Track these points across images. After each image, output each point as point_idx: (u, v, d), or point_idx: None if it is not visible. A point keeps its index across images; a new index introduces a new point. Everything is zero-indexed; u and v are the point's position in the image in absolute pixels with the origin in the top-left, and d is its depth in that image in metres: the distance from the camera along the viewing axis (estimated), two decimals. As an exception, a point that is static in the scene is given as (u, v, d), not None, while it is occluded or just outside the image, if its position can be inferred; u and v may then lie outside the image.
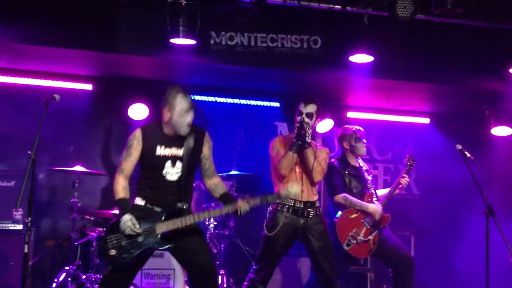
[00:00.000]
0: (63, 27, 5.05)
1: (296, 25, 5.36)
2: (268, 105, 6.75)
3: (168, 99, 3.61)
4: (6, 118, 5.88)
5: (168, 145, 3.61)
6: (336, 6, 5.01)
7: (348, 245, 4.82)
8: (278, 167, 4.27)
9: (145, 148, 3.60)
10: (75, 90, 6.03)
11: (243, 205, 3.58)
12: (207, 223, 5.44)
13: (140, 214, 3.55)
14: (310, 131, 4.26)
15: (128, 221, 3.46)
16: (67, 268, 5.14)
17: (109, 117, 6.26)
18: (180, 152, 3.62)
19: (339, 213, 4.88)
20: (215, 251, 5.54)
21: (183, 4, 4.72)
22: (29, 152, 3.88)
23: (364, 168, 5.13)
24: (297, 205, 4.30)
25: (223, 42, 5.26)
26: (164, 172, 3.58)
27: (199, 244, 3.62)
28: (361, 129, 5.12)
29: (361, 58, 5.29)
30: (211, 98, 6.55)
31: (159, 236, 3.51)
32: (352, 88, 6.40)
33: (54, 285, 5.08)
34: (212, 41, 5.22)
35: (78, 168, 5.34)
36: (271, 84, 6.41)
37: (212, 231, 5.50)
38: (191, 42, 4.90)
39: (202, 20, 4.78)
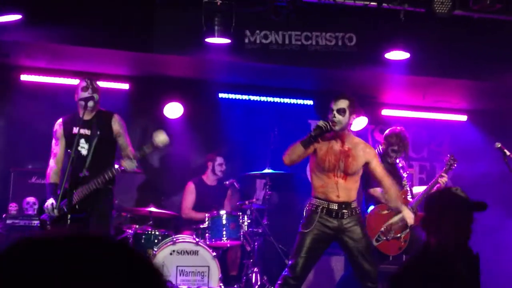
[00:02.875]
0: (101, 28, 5.14)
1: (330, 22, 5.32)
2: (302, 103, 6.72)
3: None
4: (46, 117, 6.02)
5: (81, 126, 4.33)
6: (372, 3, 4.96)
7: (377, 240, 4.77)
8: (284, 153, 4.20)
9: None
10: (112, 89, 6.12)
11: (123, 162, 4.23)
12: (241, 221, 5.46)
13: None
14: (329, 128, 4.11)
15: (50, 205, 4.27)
16: None
17: (145, 116, 6.34)
18: (88, 132, 4.36)
19: (371, 207, 4.84)
20: (248, 248, 5.56)
21: (219, 3, 4.74)
22: (69, 151, 3.98)
23: (400, 165, 5.08)
24: (331, 206, 4.24)
25: (258, 41, 5.26)
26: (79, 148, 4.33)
27: None
28: (407, 145, 5.15)
29: (397, 55, 5.22)
30: (244, 97, 6.57)
31: (76, 206, 4.25)
32: (388, 85, 6.33)
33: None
34: (246, 40, 5.23)
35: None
36: (305, 82, 6.39)
37: (246, 229, 5.52)
38: (226, 41, 4.93)
39: (236, 19, 4.79)
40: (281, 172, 5.88)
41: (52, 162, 4.49)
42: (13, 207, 5.34)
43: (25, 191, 5.47)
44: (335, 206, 4.24)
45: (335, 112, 4.18)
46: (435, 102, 6.81)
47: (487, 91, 6.33)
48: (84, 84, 4.40)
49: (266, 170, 5.84)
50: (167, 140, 4.21)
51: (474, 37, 5.49)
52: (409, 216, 4.71)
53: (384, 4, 4.95)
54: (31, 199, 5.42)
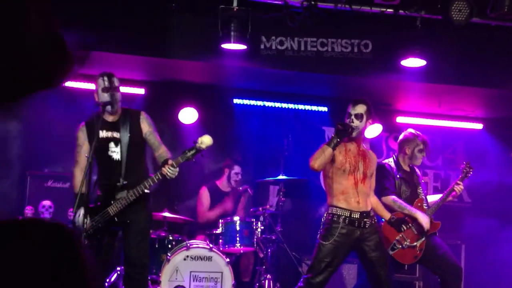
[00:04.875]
0: (117, 33, 5.18)
1: (346, 29, 5.31)
2: (316, 109, 6.72)
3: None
4: (62, 121, 6.07)
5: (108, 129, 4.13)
6: (388, 10, 4.95)
7: (392, 249, 4.73)
8: (311, 159, 4.16)
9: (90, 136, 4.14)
10: (128, 94, 6.16)
11: (166, 170, 3.94)
12: (254, 227, 5.45)
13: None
14: (350, 130, 4.17)
15: (80, 216, 3.96)
16: (118, 268, 5.25)
17: (160, 121, 6.32)
18: (117, 134, 4.12)
19: (386, 216, 4.80)
20: (261, 255, 5.55)
21: (235, 9, 4.76)
22: (86, 155, 4.00)
23: (417, 173, 5.04)
24: (354, 215, 4.20)
25: (273, 47, 5.27)
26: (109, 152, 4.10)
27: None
28: (427, 141, 5.05)
29: (413, 62, 5.20)
30: (259, 103, 6.58)
31: (115, 218, 4.05)
32: (403, 92, 6.30)
33: (106, 284, 5.19)
34: (262, 46, 5.25)
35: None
36: (320, 88, 6.38)
37: (259, 236, 5.51)
38: (242, 47, 4.94)
39: (252, 25, 4.81)
40: (295, 178, 5.87)
41: (76, 171, 4.13)
42: (29, 210, 5.38)
43: (41, 194, 5.51)
44: (357, 215, 4.21)
45: (353, 117, 4.23)
46: (450, 110, 6.76)
47: (503, 100, 6.28)
48: (103, 84, 4.08)
49: (280, 177, 5.84)
50: (211, 141, 3.95)
51: (491, 45, 5.46)
52: (424, 220, 4.69)
53: (401, 11, 4.93)
54: (47, 203, 5.45)
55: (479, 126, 7.05)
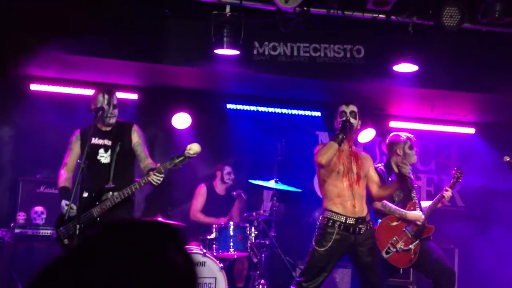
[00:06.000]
0: (110, 39, 5.17)
1: (339, 34, 5.34)
2: (310, 114, 6.73)
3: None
4: (54, 127, 6.05)
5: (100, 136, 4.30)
6: (381, 15, 4.98)
7: (387, 253, 4.74)
8: (318, 155, 4.20)
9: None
10: (121, 99, 6.13)
11: (152, 176, 4.04)
12: (248, 232, 5.45)
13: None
14: (355, 126, 4.29)
15: (64, 206, 4.10)
16: None
17: (153, 126, 6.36)
18: (109, 142, 4.28)
19: (380, 220, 4.82)
20: (255, 260, 5.55)
21: (228, 15, 4.77)
22: (78, 161, 3.99)
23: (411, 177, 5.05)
24: (349, 221, 4.21)
25: (266, 52, 5.29)
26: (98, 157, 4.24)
27: None
28: (413, 136, 5.06)
29: (405, 67, 5.23)
30: (253, 108, 6.59)
31: (98, 218, 4.10)
32: (396, 97, 6.33)
33: None
34: (255, 51, 5.26)
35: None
36: (313, 93, 6.40)
37: (253, 240, 5.51)
38: (235, 52, 4.95)
39: (245, 31, 4.82)
40: (289, 190, 5.83)
41: (62, 171, 4.37)
42: (21, 216, 5.35)
43: (33, 200, 5.48)
44: (352, 221, 4.22)
45: (348, 115, 4.31)
46: (443, 114, 6.80)
47: (495, 104, 6.32)
48: (102, 100, 4.27)
49: (273, 181, 5.83)
50: (199, 149, 4.07)
51: (482, 50, 5.50)
52: (415, 216, 4.73)
53: (393, 17, 4.96)
54: (39, 208, 5.43)
55: (471, 130, 7.09)
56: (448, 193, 4.97)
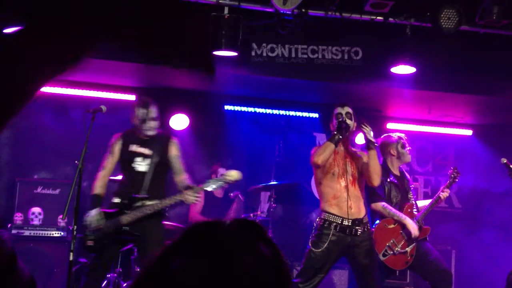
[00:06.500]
0: (108, 39, 5.16)
1: (337, 36, 5.34)
2: (307, 116, 6.74)
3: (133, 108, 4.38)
4: (52, 128, 6.05)
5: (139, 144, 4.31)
6: (378, 17, 4.99)
7: (384, 255, 4.74)
8: (314, 155, 4.23)
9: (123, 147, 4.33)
10: (118, 100, 6.16)
11: (187, 196, 4.07)
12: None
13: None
14: (351, 127, 4.29)
15: (93, 216, 4.14)
16: (108, 275, 5.22)
17: (150, 127, 6.35)
18: (149, 151, 4.27)
19: (377, 222, 4.82)
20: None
21: (226, 17, 4.77)
22: (76, 162, 3.99)
23: (407, 177, 5.06)
24: (345, 222, 4.23)
25: (264, 54, 5.29)
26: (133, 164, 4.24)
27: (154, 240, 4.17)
28: (404, 135, 5.07)
29: (403, 69, 5.23)
30: (250, 109, 6.59)
31: (125, 227, 4.13)
32: (393, 99, 6.34)
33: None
34: (253, 53, 5.26)
35: (121, 177, 5.43)
36: (311, 95, 6.41)
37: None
38: (233, 54, 4.95)
39: (243, 32, 4.82)
40: (286, 183, 5.87)
41: (100, 175, 4.33)
42: (18, 217, 5.34)
43: (30, 201, 5.47)
44: (348, 223, 4.23)
45: (344, 116, 4.33)
46: (440, 116, 6.81)
47: (493, 106, 6.34)
48: (140, 114, 4.26)
49: (271, 183, 5.83)
50: (240, 177, 4.12)
51: (480, 52, 5.51)
52: (413, 227, 4.71)
53: (391, 19, 4.97)
54: (36, 209, 5.42)
55: (468, 132, 7.10)
56: (445, 194, 4.98)
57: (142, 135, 4.31)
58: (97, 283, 4.29)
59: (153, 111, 4.31)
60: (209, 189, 4.12)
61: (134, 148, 4.29)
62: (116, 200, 4.23)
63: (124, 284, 5.10)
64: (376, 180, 4.30)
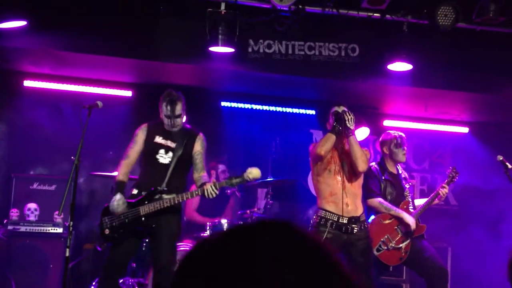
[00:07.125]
0: (105, 35, 5.16)
1: (334, 33, 5.34)
2: (304, 112, 6.74)
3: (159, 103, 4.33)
4: (48, 123, 6.03)
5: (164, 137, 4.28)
6: (375, 14, 4.99)
7: (378, 250, 4.75)
8: (316, 146, 4.27)
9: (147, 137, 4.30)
10: (115, 96, 6.14)
11: (208, 187, 4.03)
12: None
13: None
14: (351, 117, 4.30)
15: (118, 200, 4.09)
16: (120, 280, 5.17)
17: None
18: (173, 144, 4.24)
19: (372, 217, 4.83)
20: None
21: (223, 13, 4.77)
22: (72, 158, 3.99)
23: (403, 176, 5.07)
24: (341, 220, 4.24)
25: (261, 50, 5.29)
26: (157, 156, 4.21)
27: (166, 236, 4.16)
28: (403, 135, 5.05)
29: (400, 66, 5.24)
30: (247, 105, 6.58)
31: (143, 218, 4.08)
32: (390, 96, 6.34)
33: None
34: (250, 49, 5.26)
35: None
36: (307, 92, 6.40)
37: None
38: (230, 50, 4.95)
39: (240, 28, 4.82)
40: (282, 179, 5.87)
41: (123, 163, 4.26)
42: (14, 213, 5.32)
43: (26, 197, 5.46)
44: (344, 220, 4.24)
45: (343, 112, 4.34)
46: (437, 113, 6.82)
47: (489, 104, 6.35)
48: (165, 111, 4.22)
49: (268, 179, 5.83)
50: (259, 175, 4.09)
51: (476, 49, 5.51)
52: (410, 220, 4.72)
53: (388, 16, 4.97)
54: (32, 205, 5.41)
55: (465, 129, 7.11)
56: (444, 190, 4.98)
57: (170, 127, 4.29)
58: None
59: (179, 109, 4.24)
60: (228, 185, 4.12)
61: (159, 140, 4.26)
62: (135, 191, 4.19)
63: (120, 281, 5.05)
64: (361, 166, 4.29)
